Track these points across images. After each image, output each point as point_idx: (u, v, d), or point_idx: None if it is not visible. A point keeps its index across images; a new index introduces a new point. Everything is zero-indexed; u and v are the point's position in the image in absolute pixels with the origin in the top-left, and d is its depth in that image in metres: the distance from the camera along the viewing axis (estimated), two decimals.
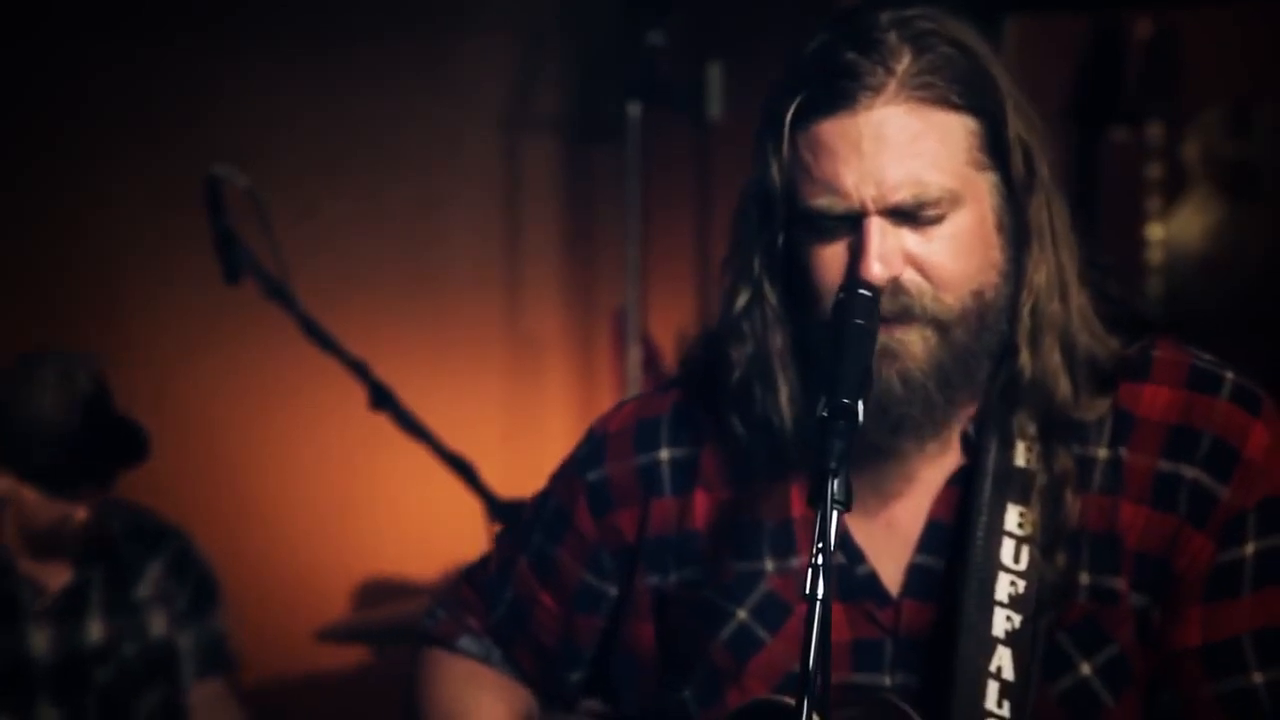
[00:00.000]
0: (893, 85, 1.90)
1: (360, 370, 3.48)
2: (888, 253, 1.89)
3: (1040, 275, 1.95)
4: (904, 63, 1.90)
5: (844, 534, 1.99)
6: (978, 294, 1.92)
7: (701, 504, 2.07)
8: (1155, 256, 5.26)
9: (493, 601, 2.20)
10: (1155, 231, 5.30)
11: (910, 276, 1.91)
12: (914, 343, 1.91)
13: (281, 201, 3.72)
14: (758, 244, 1.98)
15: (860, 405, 1.79)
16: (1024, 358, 1.95)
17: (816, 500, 1.75)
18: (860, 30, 1.92)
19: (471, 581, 2.24)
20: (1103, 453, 1.98)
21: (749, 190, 1.98)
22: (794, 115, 1.93)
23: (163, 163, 4.77)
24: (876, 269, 1.88)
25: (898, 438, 1.95)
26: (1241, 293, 5.30)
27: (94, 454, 3.67)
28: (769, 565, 2.02)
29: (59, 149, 4.79)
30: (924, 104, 1.90)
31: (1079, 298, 1.97)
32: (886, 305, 1.89)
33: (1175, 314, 5.09)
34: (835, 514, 1.74)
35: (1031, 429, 1.96)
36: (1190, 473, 1.96)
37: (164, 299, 4.82)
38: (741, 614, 2.02)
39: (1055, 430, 1.96)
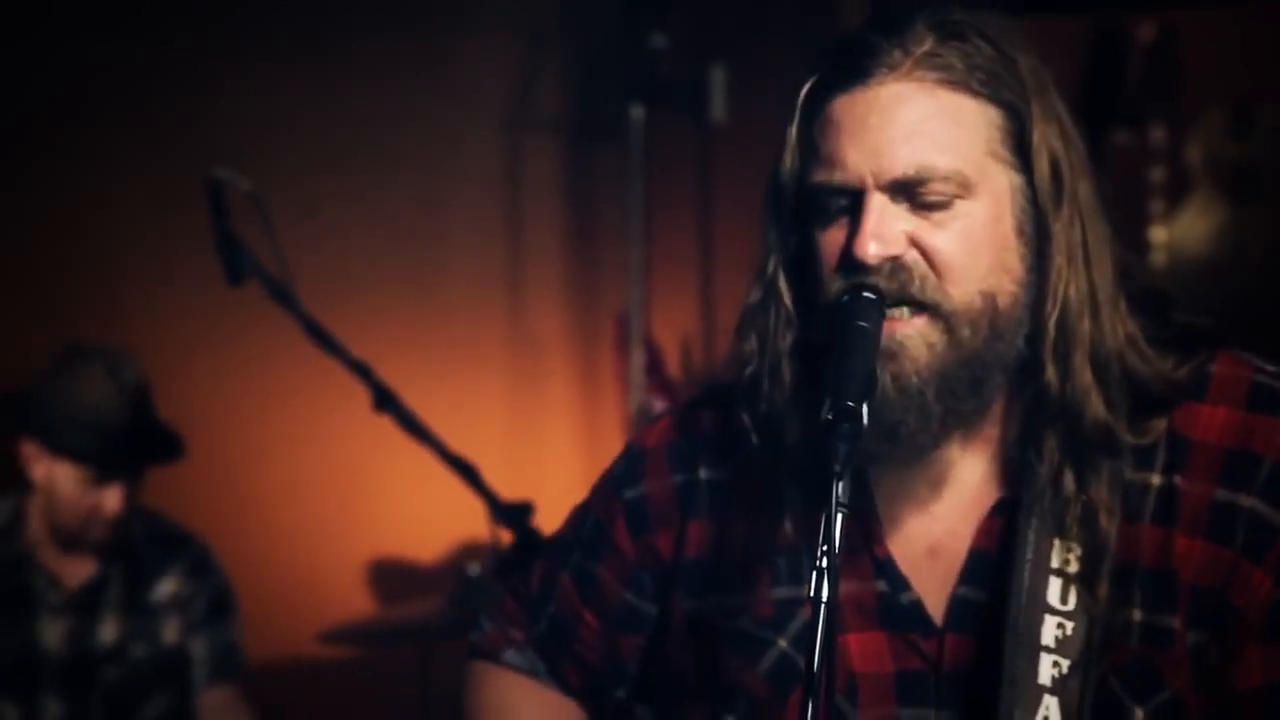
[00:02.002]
0: (909, 64, 1.85)
1: (363, 372, 3.47)
2: (885, 232, 1.83)
3: (1069, 291, 1.86)
4: (925, 45, 1.86)
5: (887, 560, 1.94)
6: (988, 296, 1.85)
7: (739, 527, 2.01)
8: (1158, 260, 5.26)
9: (535, 617, 2.17)
10: (1158, 235, 5.30)
11: (913, 257, 1.85)
12: (915, 344, 1.84)
13: (281, 202, 3.72)
14: (773, 241, 1.95)
15: (864, 408, 1.76)
16: (1050, 374, 1.87)
17: (822, 503, 1.72)
18: (887, 19, 1.90)
19: (515, 595, 2.21)
20: (1157, 479, 1.89)
21: (768, 183, 1.95)
22: (809, 96, 1.90)
23: (163, 163, 4.77)
24: (872, 247, 1.83)
25: (895, 446, 1.87)
26: (1243, 294, 5.29)
27: (132, 444, 3.76)
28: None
29: (59, 149, 4.79)
30: (941, 85, 1.85)
31: (1117, 319, 1.88)
32: (884, 285, 1.83)
33: None
34: (840, 517, 1.71)
35: (1069, 454, 1.88)
36: (1248, 502, 1.86)
37: (164, 299, 4.82)
38: (782, 643, 1.97)
39: (1095, 454, 1.88)
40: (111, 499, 3.75)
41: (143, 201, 4.81)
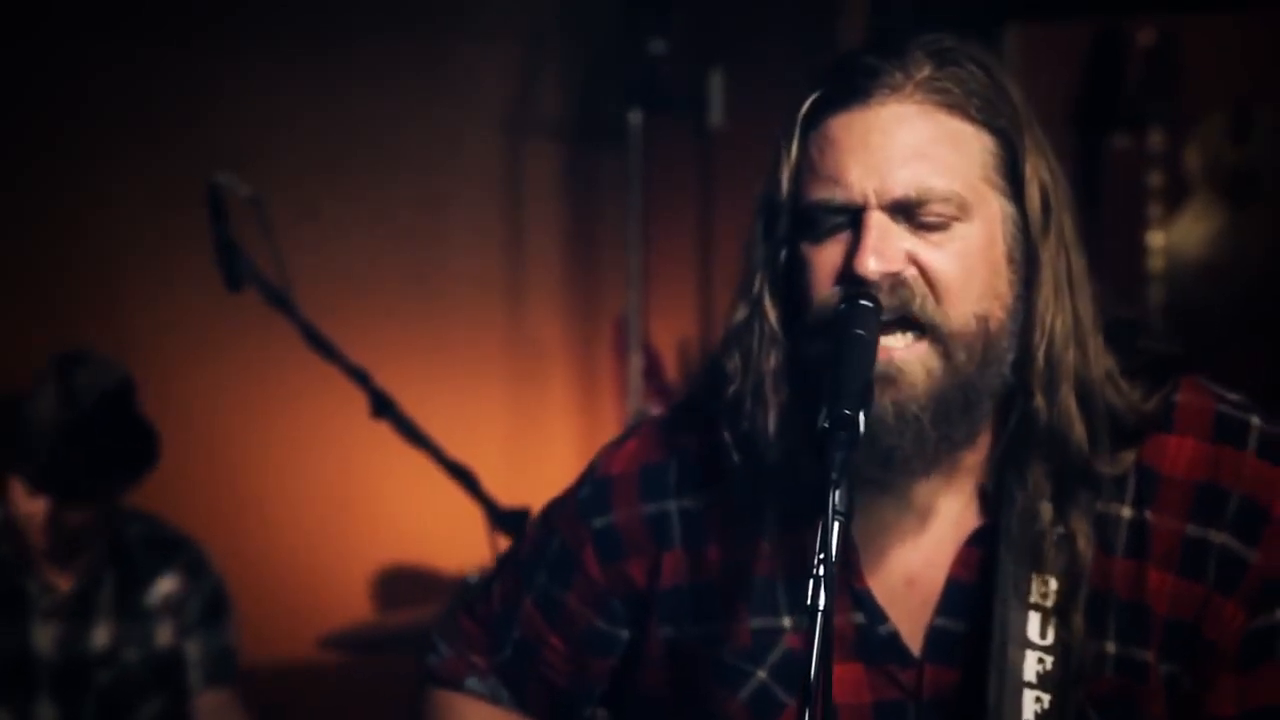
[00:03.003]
0: (909, 87, 1.87)
1: (361, 379, 3.47)
2: (886, 248, 1.84)
3: (1055, 322, 1.89)
4: (924, 70, 1.88)
5: (865, 592, 1.95)
6: (981, 319, 1.87)
7: (715, 556, 2.01)
8: (1156, 264, 5.27)
9: (498, 642, 2.15)
10: (1156, 239, 5.32)
11: (912, 274, 1.86)
12: (914, 368, 1.85)
13: (281, 203, 3.71)
14: (761, 259, 1.94)
15: (861, 417, 1.77)
16: (1038, 401, 1.89)
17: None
18: (885, 42, 1.92)
19: (474, 615, 2.18)
20: (1127, 512, 1.92)
21: (757, 201, 1.95)
22: (807, 114, 1.91)
23: (163, 163, 4.77)
24: (872, 263, 1.84)
25: (888, 471, 1.89)
26: (1241, 296, 5.31)
27: (60, 462, 3.72)
28: (786, 622, 1.97)
29: (59, 149, 4.79)
30: (940, 109, 1.87)
31: (1098, 350, 1.91)
32: (884, 302, 1.84)
33: (1177, 321, 5.09)
34: (837, 525, 1.71)
35: (1049, 485, 1.90)
36: (1218, 538, 1.90)
37: (164, 300, 4.82)
38: (761, 674, 1.97)
39: (1073, 485, 1.90)
40: (35, 510, 3.75)
41: (143, 202, 4.81)
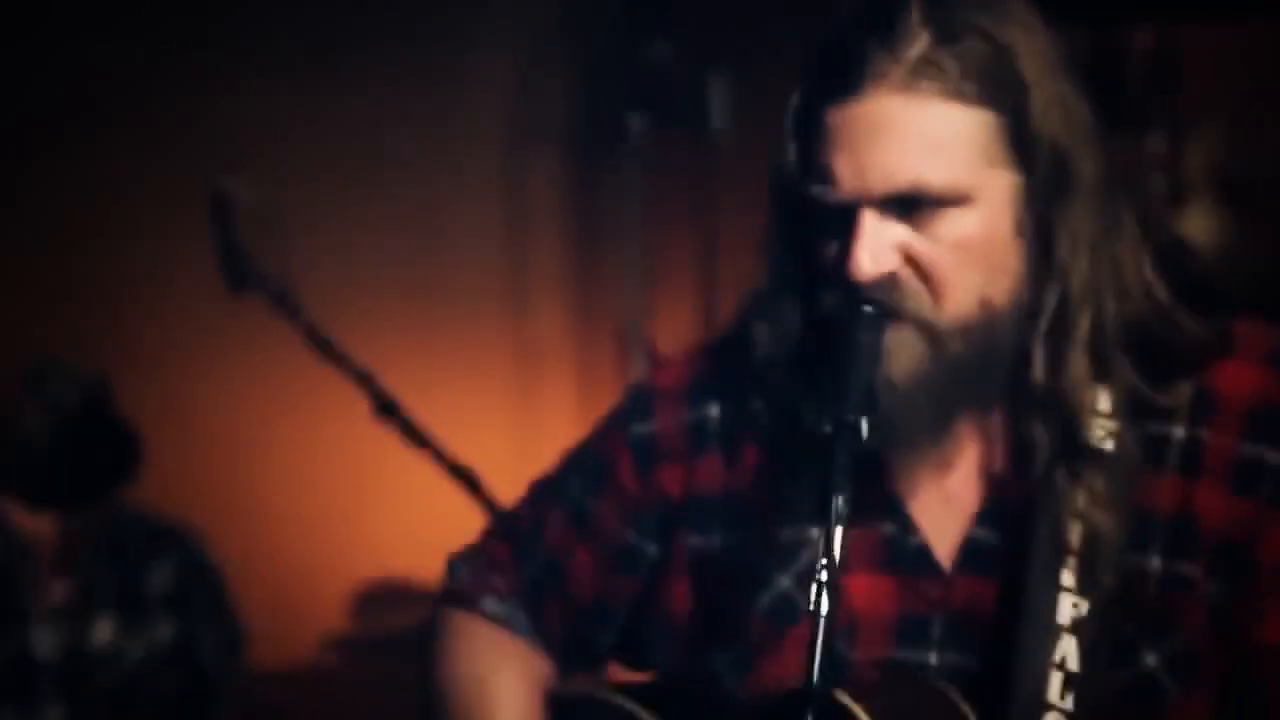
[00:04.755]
0: (900, 73, 1.81)
1: (366, 381, 3.49)
2: (879, 248, 1.82)
3: (1072, 281, 1.86)
4: (917, 50, 1.81)
5: (897, 503, 1.94)
6: (985, 302, 1.85)
7: (749, 465, 2.00)
8: None
9: (524, 558, 2.11)
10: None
11: (906, 273, 1.84)
12: (899, 348, 1.84)
13: (281, 205, 3.73)
14: (778, 232, 1.94)
15: (865, 422, 1.78)
16: (1039, 369, 1.87)
17: (821, 516, 1.73)
18: (882, 13, 1.85)
19: (499, 536, 2.16)
20: (1180, 432, 1.90)
21: (770, 179, 1.94)
22: (804, 100, 1.88)
23: (163, 163, 4.78)
24: (865, 265, 1.82)
25: (891, 442, 1.88)
26: (1241, 302, 5.31)
27: (57, 475, 3.77)
28: (814, 533, 1.92)
29: (59, 149, 4.80)
30: (932, 95, 1.81)
31: (1146, 288, 1.88)
32: (878, 297, 1.84)
33: None
34: (840, 530, 1.72)
35: (1059, 446, 1.89)
36: (1273, 456, 1.88)
37: (166, 300, 4.83)
38: (784, 581, 1.95)
39: (1128, 409, 1.89)
40: (40, 527, 3.78)
41: (144, 203, 4.83)
